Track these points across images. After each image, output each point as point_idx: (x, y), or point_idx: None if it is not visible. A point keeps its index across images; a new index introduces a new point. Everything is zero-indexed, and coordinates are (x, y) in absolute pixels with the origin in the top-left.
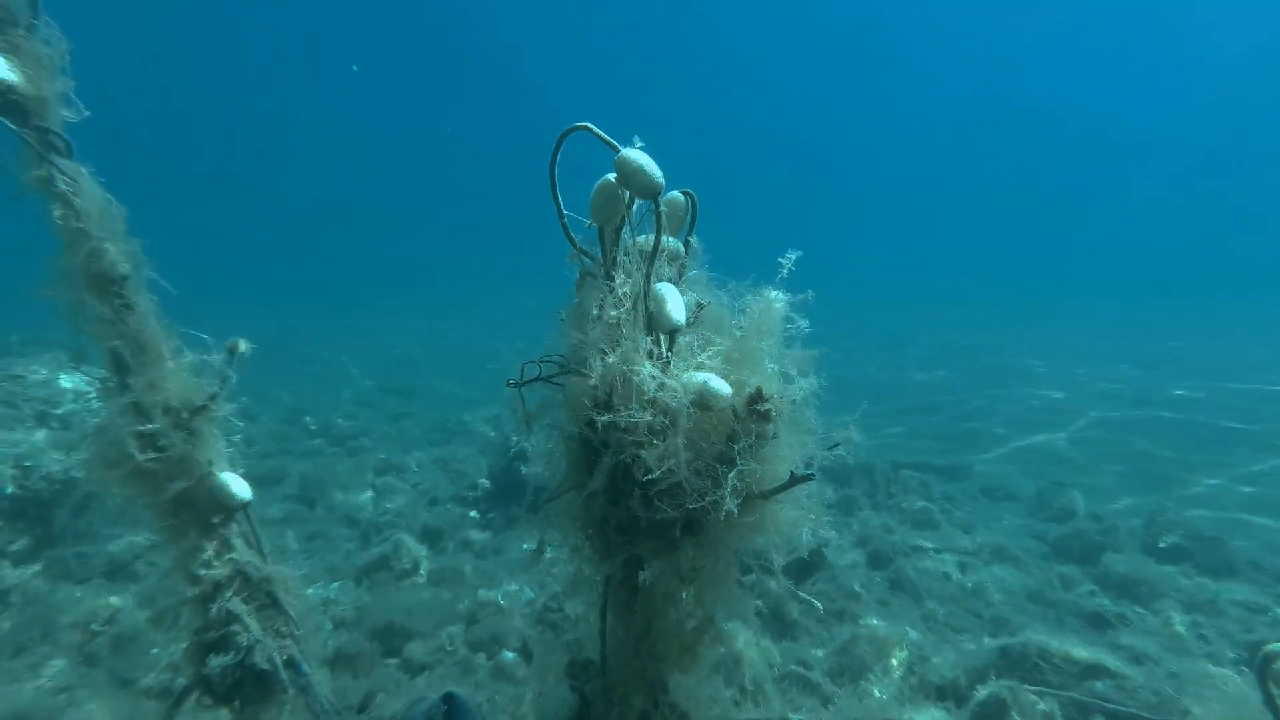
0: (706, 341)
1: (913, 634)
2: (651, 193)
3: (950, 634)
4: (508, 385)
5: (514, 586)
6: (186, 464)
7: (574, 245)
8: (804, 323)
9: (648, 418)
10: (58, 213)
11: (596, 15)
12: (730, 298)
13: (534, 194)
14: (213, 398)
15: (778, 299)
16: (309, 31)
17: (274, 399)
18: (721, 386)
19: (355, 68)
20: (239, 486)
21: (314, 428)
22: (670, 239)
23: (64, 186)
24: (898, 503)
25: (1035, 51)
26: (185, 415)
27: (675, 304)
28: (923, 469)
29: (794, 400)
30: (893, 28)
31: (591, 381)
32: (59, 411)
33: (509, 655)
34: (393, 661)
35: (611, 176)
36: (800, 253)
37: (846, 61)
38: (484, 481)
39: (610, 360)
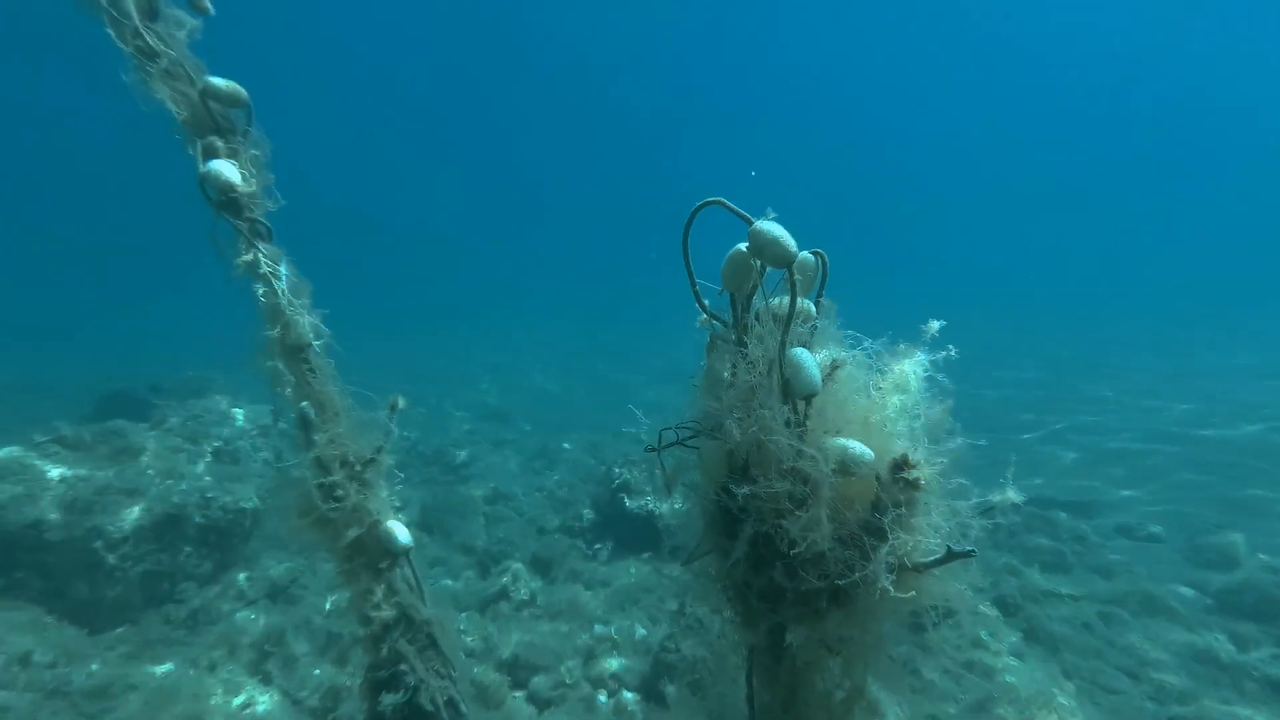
0: (843, 404)
1: (1061, 696)
2: (786, 262)
3: (1102, 695)
4: (646, 450)
5: (626, 621)
6: (359, 512)
7: (705, 310)
8: (946, 381)
9: (788, 486)
10: (260, 291)
11: (687, 45)
12: (867, 356)
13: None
14: (379, 450)
15: (917, 359)
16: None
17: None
18: (863, 452)
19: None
20: (402, 533)
21: (427, 454)
22: (802, 299)
23: (266, 269)
24: (1021, 541)
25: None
26: (358, 467)
27: (810, 369)
28: (1046, 504)
29: (941, 463)
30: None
31: (728, 447)
32: (232, 447)
33: (629, 695)
34: (519, 694)
35: (743, 246)
36: (944, 321)
37: (951, 62)
38: (588, 512)
39: (746, 426)
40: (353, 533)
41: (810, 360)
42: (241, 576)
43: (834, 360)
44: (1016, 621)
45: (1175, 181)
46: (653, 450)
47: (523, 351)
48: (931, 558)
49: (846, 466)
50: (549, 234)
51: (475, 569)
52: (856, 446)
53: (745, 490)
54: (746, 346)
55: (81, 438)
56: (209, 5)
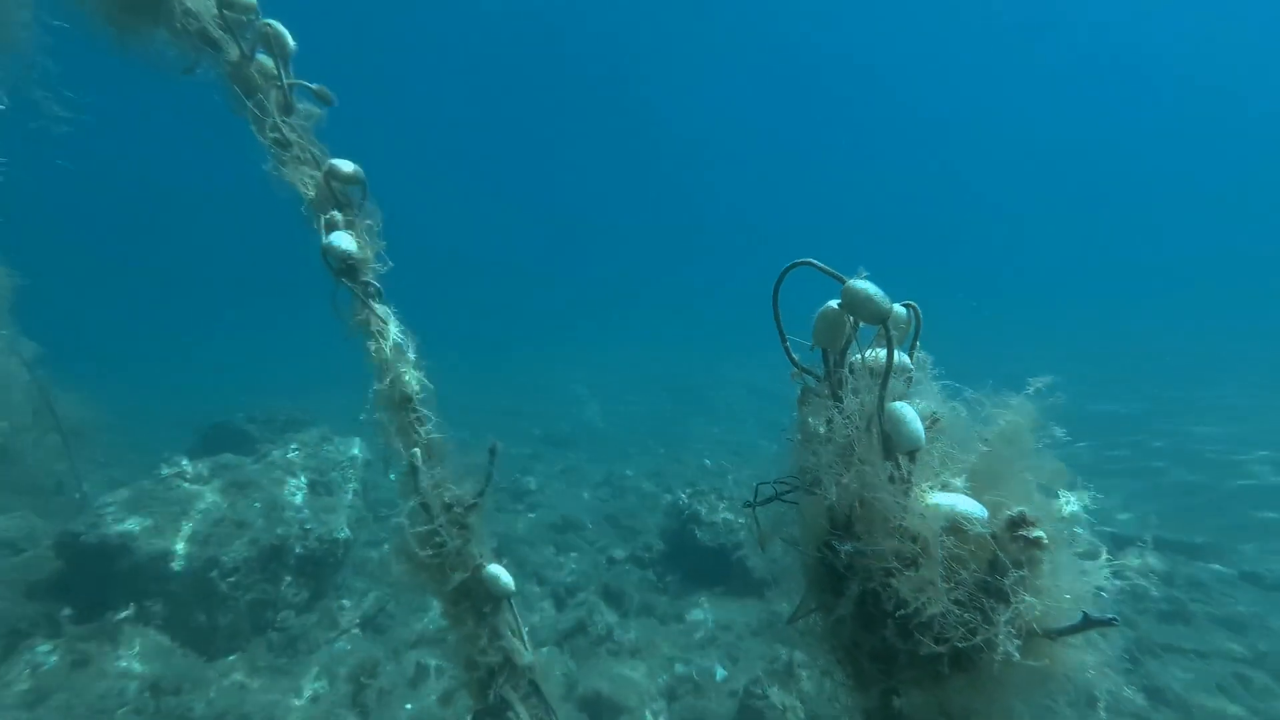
0: (948, 458)
1: None
2: (881, 319)
3: None
4: (744, 506)
5: (706, 662)
6: (463, 557)
7: (796, 365)
8: (1059, 432)
9: (895, 544)
10: (372, 347)
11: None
12: (969, 406)
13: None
14: (480, 494)
15: (1023, 407)
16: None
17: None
18: (974, 509)
19: None
20: (505, 578)
21: (497, 482)
22: (897, 352)
23: (376, 327)
24: (1130, 583)
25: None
26: (460, 511)
27: (912, 424)
28: (1157, 545)
29: (1062, 518)
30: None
31: (827, 502)
32: (325, 479)
33: None
34: None
35: (834, 303)
36: (1051, 378)
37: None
38: (657, 542)
39: (846, 482)
40: (457, 577)
41: (911, 414)
42: (335, 605)
43: (933, 413)
44: (1136, 678)
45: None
46: (749, 506)
47: (579, 378)
48: (1066, 624)
49: (958, 524)
50: (602, 262)
51: (551, 600)
52: (967, 503)
53: (849, 547)
54: (842, 401)
55: (200, 473)
56: (332, 96)
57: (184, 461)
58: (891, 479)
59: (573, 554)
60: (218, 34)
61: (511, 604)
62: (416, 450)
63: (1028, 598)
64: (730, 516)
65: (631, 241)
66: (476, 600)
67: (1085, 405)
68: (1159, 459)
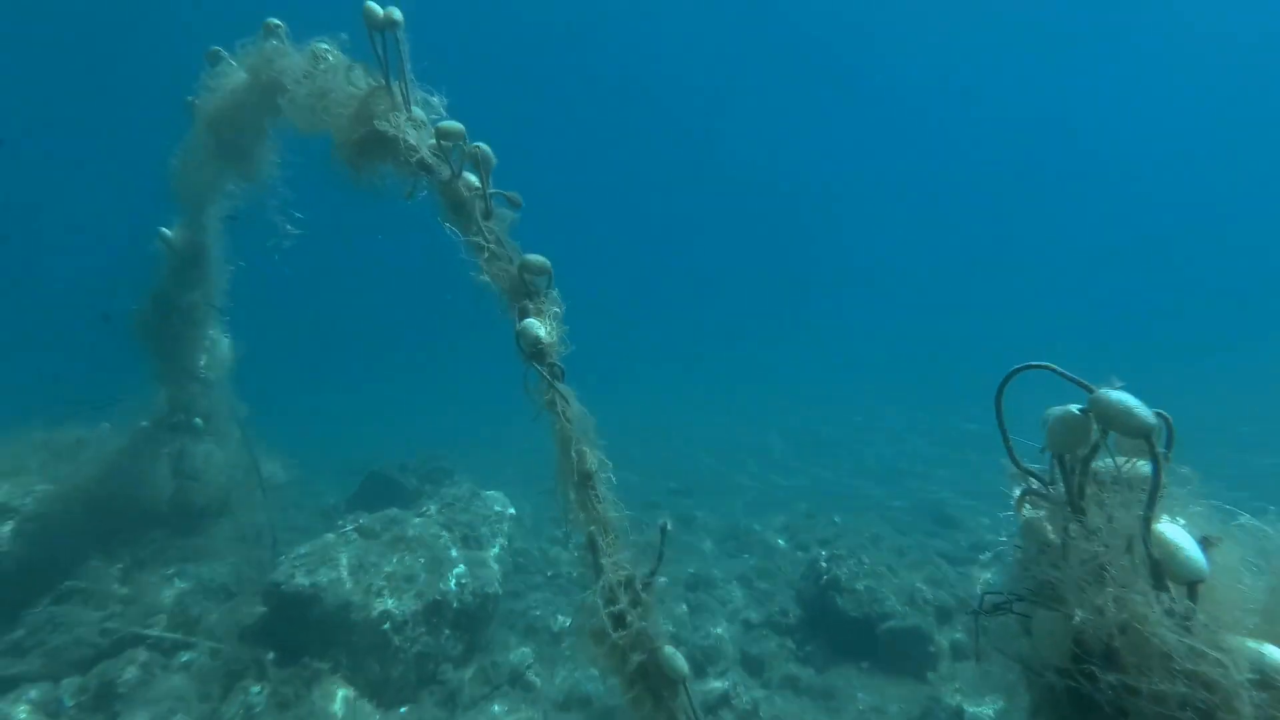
0: (1237, 593)
1: None
2: (1141, 433)
3: None
4: (969, 613)
5: None
6: (643, 638)
7: (1018, 466)
8: None
9: (1181, 689)
10: (556, 425)
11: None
12: (1248, 530)
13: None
14: (653, 574)
15: None
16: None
17: (544, 503)
18: None
19: None
20: (680, 661)
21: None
22: (1139, 462)
23: (561, 407)
24: None
25: None
26: (639, 590)
27: (1191, 552)
28: None
29: None
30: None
31: (1074, 622)
32: (476, 533)
33: None
34: None
35: (1074, 408)
36: None
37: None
38: (794, 607)
39: (1101, 604)
40: (636, 658)
41: (1188, 540)
42: (488, 662)
43: (1205, 536)
44: None
45: None
46: (975, 613)
47: (696, 422)
48: None
49: (1269, 678)
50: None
51: (689, 663)
52: (1277, 652)
53: (1113, 679)
54: (1084, 514)
55: (372, 527)
56: (520, 199)
57: (361, 518)
58: (1170, 612)
59: (706, 614)
60: (433, 160)
61: (686, 687)
62: (595, 528)
63: None
64: (873, 584)
65: (753, 281)
66: (653, 683)
67: None
68: None
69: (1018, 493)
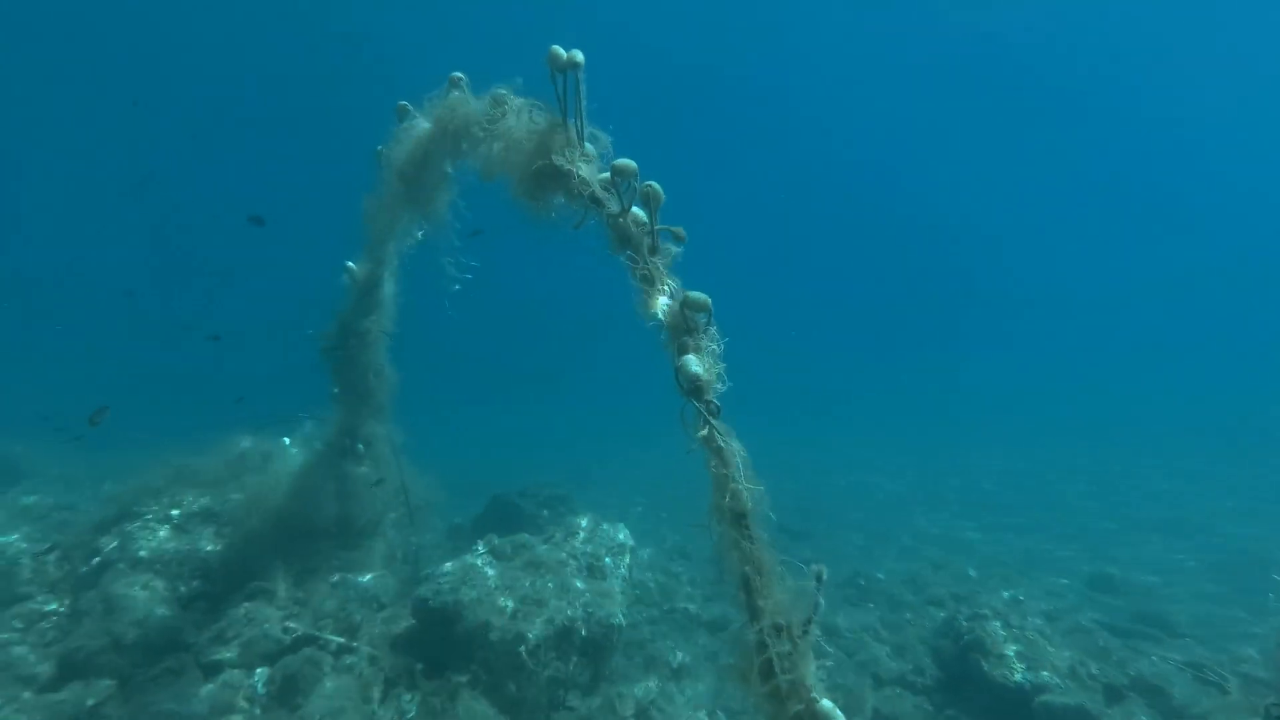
0: None
1: None
2: None
3: None
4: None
5: None
6: (799, 688)
7: None
8: None
9: None
10: (712, 463)
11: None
12: None
13: None
14: (809, 620)
15: None
16: None
17: (661, 537)
18: None
19: None
20: (839, 717)
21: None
22: None
23: (719, 443)
24: None
25: None
26: (796, 635)
27: None
28: None
29: None
30: None
31: None
32: (600, 563)
33: None
34: None
35: None
36: None
37: None
38: (929, 665)
39: None
40: (793, 707)
41: None
42: (614, 692)
43: None
44: None
45: None
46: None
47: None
48: None
49: None
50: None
51: None
52: None
53: None
54: None
55: (504, 550)
56: (684, 234)
57: (495, 539)
58: None
59: (835, 668)
60: (603, 194)
61: None
62: (749, 568)
63: None
64: (1023, 649)
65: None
66: None
67: None
68: None
69: None
